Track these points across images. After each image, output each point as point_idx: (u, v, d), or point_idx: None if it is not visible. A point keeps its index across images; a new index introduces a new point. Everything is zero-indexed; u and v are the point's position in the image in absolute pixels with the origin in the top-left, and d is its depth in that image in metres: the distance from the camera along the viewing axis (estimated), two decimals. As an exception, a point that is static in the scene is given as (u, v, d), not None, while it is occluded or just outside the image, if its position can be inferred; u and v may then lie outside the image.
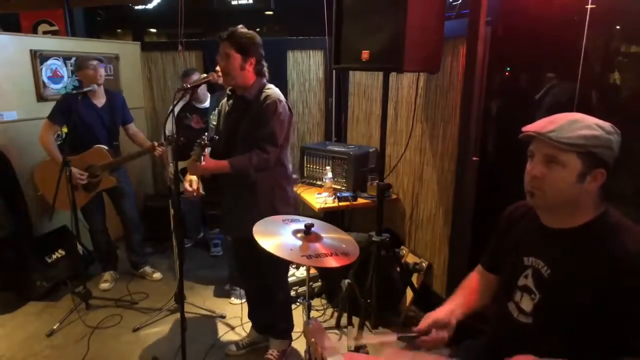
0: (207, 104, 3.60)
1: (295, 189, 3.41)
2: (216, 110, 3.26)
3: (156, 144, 3.10)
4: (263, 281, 2.44)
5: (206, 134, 2.17)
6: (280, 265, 2.32)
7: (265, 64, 2.24)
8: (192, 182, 2.28)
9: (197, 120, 3.65)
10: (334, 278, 2.83)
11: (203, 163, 2.08)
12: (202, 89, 3.61)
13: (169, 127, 3.73)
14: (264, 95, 2.17)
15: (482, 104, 2.44)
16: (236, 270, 2.75)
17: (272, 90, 2.21)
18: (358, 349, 2.41)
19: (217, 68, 2.89)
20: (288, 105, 2.24)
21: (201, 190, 2.30)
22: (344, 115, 4.07)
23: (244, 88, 2.21)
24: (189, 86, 2.17)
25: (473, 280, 1.56)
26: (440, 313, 1.40)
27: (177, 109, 3.77)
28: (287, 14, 5.20)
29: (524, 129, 1.23)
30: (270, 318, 2.54)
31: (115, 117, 3.26)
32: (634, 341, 1.10)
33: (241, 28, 2.17)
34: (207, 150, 2.11)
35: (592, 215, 1.20)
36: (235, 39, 2.12)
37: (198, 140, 2.07)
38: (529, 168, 1.23)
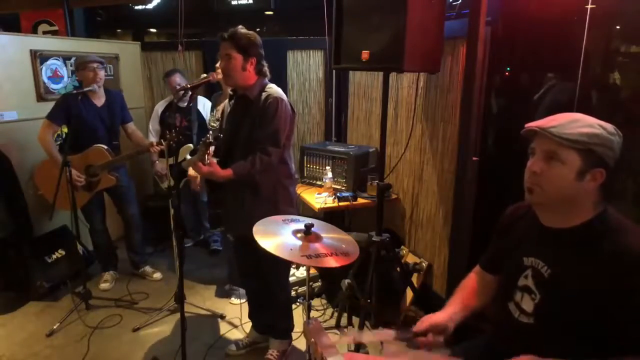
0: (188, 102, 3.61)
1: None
2: (216, 112, 3.27)
3: (155, 142, 3.10)
4: (264, 281, 2.44)
5: (210, 132, 2.14)
6: (281, 265, 2.32)
7: (265, 63, 2.24)
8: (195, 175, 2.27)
9: (180, 119, 3.65)
10: (334, 278, 2.83)
11: (207, 166, 2.05)
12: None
13: (156, 127, 3.75)
14: (265, 94, 2.17)
15: (482, 104, 2.44)
16: (237, 270, 2.75)
17: (274, 89, 2.21)
18: (358, 348, 2.41)
19: (217, 65, 2.90)
20: (290, 104, 2.24)
21: (203, 188, 2.31)
22: (344, 115, 4.07)
23: (245, 88, 2.21)
24: (188, 86, 2.17)
25: (471, 281, 1.56)
26: (439, 317, 1.40)
27: (160, 109, 3.80)
28: (287, 14, 5.19)
29: (527, 125, 1.23)
30: (271, 318, 2.53)
31: (115, 117, 3.26)
32: (635, 341, 1.10)
33: (241, 29, 2.17)
34: (211, 149, 2.09)
35: (591, 215, 1.20)
36: (236, 39, 2.12)
37: (203, 139, 2.04)
38: (529, 164, 1.24)
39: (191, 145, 3.47)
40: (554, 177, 1.18)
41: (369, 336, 1.47)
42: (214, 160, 2.12)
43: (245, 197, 2.26)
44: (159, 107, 3.83)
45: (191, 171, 2.42)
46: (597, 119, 1.18)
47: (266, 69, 2.24)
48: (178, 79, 3.62)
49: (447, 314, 1.41)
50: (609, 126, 1.17)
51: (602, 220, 1.19)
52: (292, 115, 2.25)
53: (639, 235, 1.14)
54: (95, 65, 3.02)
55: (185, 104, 3.62)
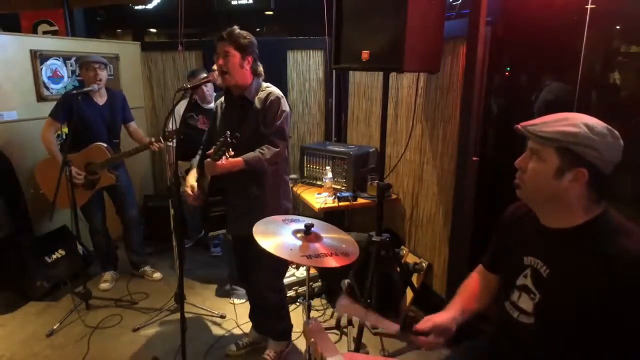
0: (212, 104, 3.59)
1: (295, 188, 3.41)
2: None
3: (153, 139, 3.09)
4: (260, 282, 2.44)
5: (228, 132, 2.10)
6: (271, 267, 2.30)
7: (260, 64, 2.26)
8: (193, 187, 2.28)
9: (203, 121, 3.63)
10: (334, 278, 2.83)
11: (223, 162, 2.04)
12: (209, 90, 3.58)
13: (170, 127, 3.74)
14: (265, 93, 2.21)
15: (482, 104, 2.44)
16: (236, 270, 2.75)
17: (272, 87, 2.26)
18: (358, 348, 2.41)
19: (214, 67, 2.90)
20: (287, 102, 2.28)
21: (205, 191, 2.30)
22: (344, 115, 4.07)
23: (242, 87, 2.22)
24: (188, 86, 2.17)
25: (473, 281, 1.56)
26: (442, 318, 1.40)
27: (182, 109, 3.76)
28: (287, 14, 5.20)
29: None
30: (267, 320, 2.54)
31: (116, 115, 3.26)
32: (635, 341, 1.10)
33: (237, 28, 2.19)
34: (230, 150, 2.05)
35: (589, 215, 1.19)
36: (234, 37, 2.15)
37: (222, 138, 1.99)
38: (516, 161, 1.27)
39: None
40: (533, 174, 1.21)
41: (373, 320, 1.47)
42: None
43: (250, 194, 2.27)
44: (180, 107, 3.79)
45: (187, 187, 2.40)
46: (592, 118, 1.17)
47: (261, 69, 2.27)
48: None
49: (449, 316, 1.41)
50: (600, 127, 1.14)
51: (602, 221, 1.18)
52: (290, 112, 2.30)
53: (638, 237, 1.14)
54: (97, 66, 3.04)
55: (209, 105, 3.58)
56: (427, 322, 1.39)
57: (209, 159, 2.06)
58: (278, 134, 2.19)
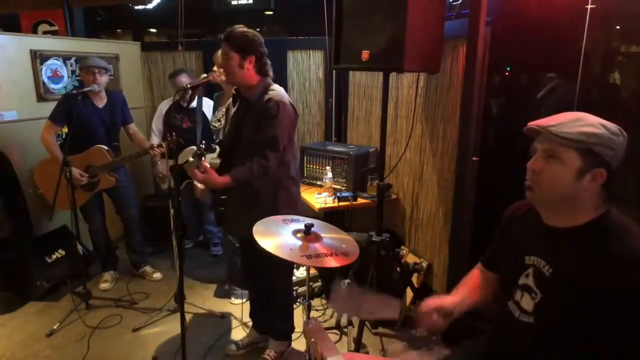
0: (194, 103, 3.60)
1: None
2: (217, 112, 3.26)
3: (155, 145, 3.09)
4: (265, 282, 2.44)
5: (203, 142, 2.14)
6: (283, 266, 2.30)
7: (268, 62, 2.20)
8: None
9: (185, 120, 3.64)
10: (334, 278, 2.83)
11: (203, 173, 2.06)
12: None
13: (159, 126, 3.74)
14: (267, 97, 2.13)
15: (482, 104, 2.44)
16: (241, 269, 2.75)
17: (276, 91, 2.16)
18: (358, 348, 2.41)
19: (215, 68, 2.90)
20: (293, 106, 2.20)
21: (206, 194, 2.32)
22: (344, 115, 4.07)
23: (247, 88, 2.19)
24: (189, 86, 2.16)
25: (474, 276, 1.57)
26: (446, 301, 1.41)
27: (165, 108, 3.78)
28: (287, 14, 5.20)
29: (529, 124, 1.23)
30: (271, 319, 2.54)
31: (115, 117, 3.26)
32: (636, 342, 1.10)
33: (240, 27, 2.15)
34: (204, 159, 2.11)
35: (594, 215, 1.19)
36: (232, 38, 2.11)
37: (196, 150, 2.06)
38: (530, 162, 1.24)
39: (194, 147, 3.47)
40: (553, 176, 1.18)
41: (368, 314, 1.47)
42: (207, 164, 2.12)
43: (246, 200, 2.25)
44: (163, 106, 3.81)
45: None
46: (601, 119, 1.17)
47: (269, 68, 2.20)
48: (184, 80, 3.57)
49: (454, 299, 1.42)
50: (612, 126, 1.16)
51: (605, 220, 1.18)
52: (295, 117, 2.21)
53: (640, 236, 1.14)
54: (96, 70, 3.04)
55: (186, 104, 3.60)
56: (431, 301, 1.40)
57: (190, 163, 2.08)
58: (269, 144, 2.09)
